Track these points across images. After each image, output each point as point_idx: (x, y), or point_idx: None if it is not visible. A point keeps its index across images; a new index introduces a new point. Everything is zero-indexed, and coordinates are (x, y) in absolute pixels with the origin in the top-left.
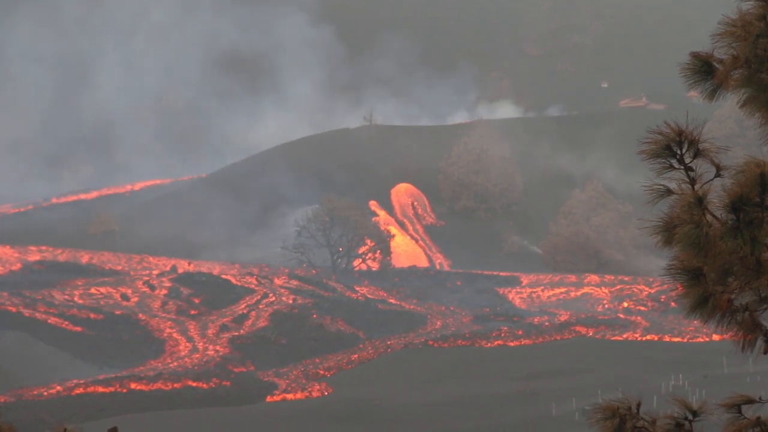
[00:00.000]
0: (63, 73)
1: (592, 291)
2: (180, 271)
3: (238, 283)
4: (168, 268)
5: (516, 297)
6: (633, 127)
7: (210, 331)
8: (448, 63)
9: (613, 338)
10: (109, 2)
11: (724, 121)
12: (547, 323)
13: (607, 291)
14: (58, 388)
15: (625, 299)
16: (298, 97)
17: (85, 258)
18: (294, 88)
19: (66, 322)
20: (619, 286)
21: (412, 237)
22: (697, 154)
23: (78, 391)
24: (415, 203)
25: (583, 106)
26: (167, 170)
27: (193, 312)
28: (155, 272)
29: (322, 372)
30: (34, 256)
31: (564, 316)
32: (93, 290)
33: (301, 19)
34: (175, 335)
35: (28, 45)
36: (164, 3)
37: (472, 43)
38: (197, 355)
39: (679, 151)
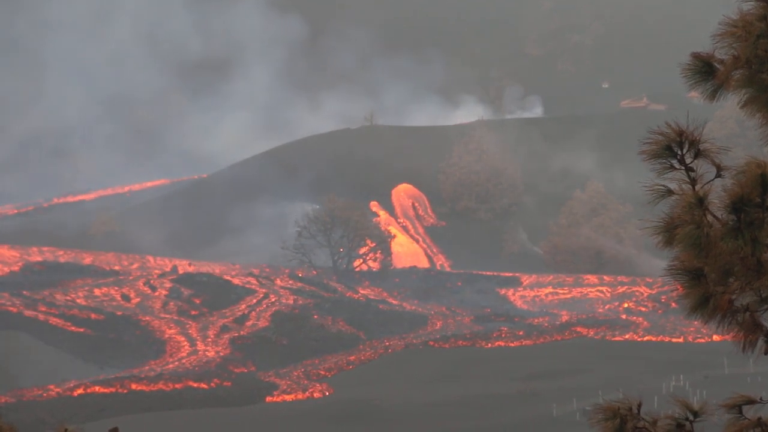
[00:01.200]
0: (15, 76)
1: (593, 291)
2: (181, 271)
3: (239, 284)
4: (169, 269)
5: (517, 297)
6: (633, 127)
7: (211, 332)
8: (440, 61)
9: (613, 339)
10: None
11: (724, 121)
12: (547, 324)
13: (607, 291)
14: (59, 388)
15: (625, 300)
16: (257, 94)
17: (86, 259)
18: (255, 85)
19: (67, 323)
20: (619, 287)
21: (413, 237)
22: (697, 154)
23: (79, 392)
24: (416, 204)
25: (583, 106)
26: (128, 175)
27: (193, 312)
28: (156, 273)
29: (322, 372)
30: (35, 256)
31: (564, 317)
32: (94, 291)
33: (261, 7)
34: (176, 336)
35: None
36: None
37: (473, 43)
38: (198, 356)
39: (679, 152)
